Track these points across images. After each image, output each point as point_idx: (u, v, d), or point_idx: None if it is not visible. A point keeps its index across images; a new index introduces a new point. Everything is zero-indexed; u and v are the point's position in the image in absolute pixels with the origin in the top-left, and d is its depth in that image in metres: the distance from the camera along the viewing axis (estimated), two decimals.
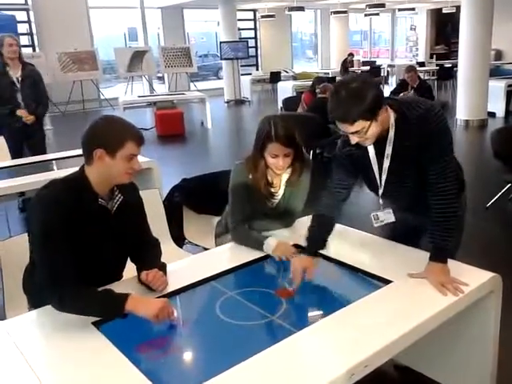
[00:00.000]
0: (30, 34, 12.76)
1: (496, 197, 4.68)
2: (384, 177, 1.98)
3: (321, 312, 1.69)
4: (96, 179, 1.79)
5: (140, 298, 1.71)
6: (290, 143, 2.15)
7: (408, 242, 2.16)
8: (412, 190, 1.98)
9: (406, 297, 1.75)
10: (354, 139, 1.79)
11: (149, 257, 1.98)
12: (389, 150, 1.90)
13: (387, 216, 2.09)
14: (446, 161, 1.85)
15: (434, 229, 1.87)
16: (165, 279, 1.87)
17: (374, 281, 1.89)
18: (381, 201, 2.07)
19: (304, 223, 2.38)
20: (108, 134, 1.75)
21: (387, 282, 1.84)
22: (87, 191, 1.78)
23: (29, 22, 12.66)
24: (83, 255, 1.75)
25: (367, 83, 1.74)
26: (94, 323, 1.64)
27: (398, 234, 2.21)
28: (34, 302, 1.89)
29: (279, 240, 2.20)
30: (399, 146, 1.88)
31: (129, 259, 2.03)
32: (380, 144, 1.90)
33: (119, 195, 1.88)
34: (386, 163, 1.94)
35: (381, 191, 2.03)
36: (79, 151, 1.83)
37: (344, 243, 2.14)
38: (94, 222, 1.80)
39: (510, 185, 4.58)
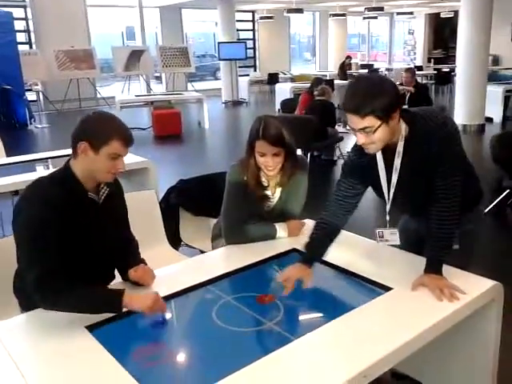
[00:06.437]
0: (27, 31, 12.72)
1: (494, 202, 4.65)
2: (392, 191, 1.91)
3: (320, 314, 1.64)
4: (81, 173, 1.76)
5: (132, 293, 1.69)
6: (278, 142, 2.11)
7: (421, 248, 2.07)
8: (421, 202, 1.88)
9: (407, 305, 1.72)
10: (360, 138, 1.68)
11: (132, 253, 1.99)
12: (397, 162, 1.83)
13: (392, 237, 2.02)
14: (456, 179, 1.79)
15: (433, 243, 1.83)
16: (153, 272, 1.90)
17: (373, 287, 1.85)
18: (388, 217, 1.99)
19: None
20: (95, 129, 1.73)
21: (387, 288, 1.80)
22: (76, 185, 1.76)
23: (26, 19, 12.63)
24: (76, 250, 1.73)
25: (389, 81, 1.72)
26: (87, 327, 1.60)
27: (411, 241, 2.12)
28: (25, 305, 1.85)
29: (287, 222, 2.31)
30: (408, 161, 1.82)
31: None
32: (390, 156, 1.84)
33: (105, 187, 1.86)
34: (395, 178, 1.87)
35: (388, 207, 1.95)
36: None
37: (344, 249, 2.10)
38: (85, 215, 1.78)
39: (508, 190, 4.56)
